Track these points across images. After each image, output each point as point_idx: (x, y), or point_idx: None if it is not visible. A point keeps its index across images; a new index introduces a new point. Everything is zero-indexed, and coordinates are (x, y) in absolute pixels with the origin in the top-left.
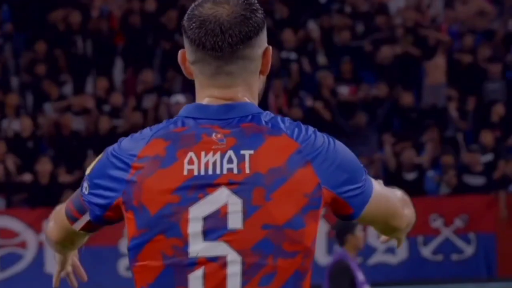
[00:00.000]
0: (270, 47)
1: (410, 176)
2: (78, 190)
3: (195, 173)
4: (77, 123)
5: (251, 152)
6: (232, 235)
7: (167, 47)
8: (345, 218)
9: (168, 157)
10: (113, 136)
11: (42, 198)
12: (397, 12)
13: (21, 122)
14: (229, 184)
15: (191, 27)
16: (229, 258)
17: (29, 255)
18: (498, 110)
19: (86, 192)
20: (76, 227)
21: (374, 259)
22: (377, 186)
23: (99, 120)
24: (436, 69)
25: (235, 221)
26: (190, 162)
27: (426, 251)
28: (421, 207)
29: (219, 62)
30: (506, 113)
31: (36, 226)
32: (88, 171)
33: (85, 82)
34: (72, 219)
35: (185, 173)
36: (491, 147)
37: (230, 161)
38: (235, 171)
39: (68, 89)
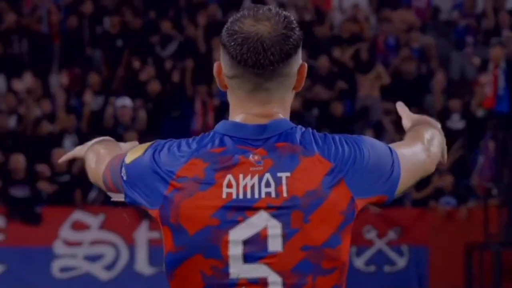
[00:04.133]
0: (305, 64)
1: None
2: (117, 163)
3: (234, 196)
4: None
5: (288, 174)
6: (273, 257)
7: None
8: (381, 205)
9: (207, 179)
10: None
11: None
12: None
13: None
14: (267, 208)
15: (232, 43)
16: (270, 280)
17: None
18: None
19: (125, 179)
20: (110, 195)
21: None
22: (403, 157)
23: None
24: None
25: (275, 244)
26: (229, 185)
27: (359, 262)
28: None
29: (259, 79)
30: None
31: None
32: (128, 159)
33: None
34: (107, 187)
35: (224, 196)
36: None
37: (268, 184)
38: (273, 195)
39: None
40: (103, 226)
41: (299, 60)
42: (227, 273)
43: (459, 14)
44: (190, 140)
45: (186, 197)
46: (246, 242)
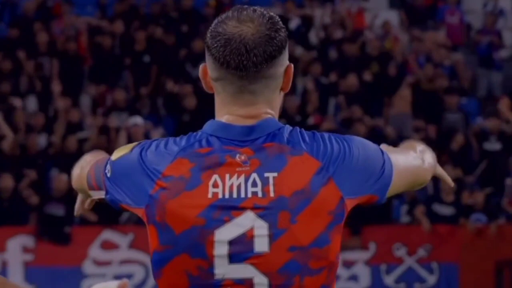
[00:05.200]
0: (292, 65)
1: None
2: (102, 162)
3: (220, 196)
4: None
5: (275, 174)
6: (259, 258)
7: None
8: (371, 205)
9: (193, 179)
10: None
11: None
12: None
13: None
14: (254, 208)
15: (215, 45)
16: (256, 280)
17: None
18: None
19: (109, 176)
20: (91, 194)
21: (338, 286)
22: (395, 159)
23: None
24: (401, 99)
25: (261, 245)
26: (215, 185)
27: (389, 280)
28: (384, 235)
29: (243, 81)
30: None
31: None
32: (114, 156)
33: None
34: (90, 186)
35: (210, 196)
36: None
37: (254, 184)
38: (260, 194)
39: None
40: (132, 245)
41: (285, 61)
42: (212, 274)
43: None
44: (178, 139)
45: (172, 197)
46: (232, 242)
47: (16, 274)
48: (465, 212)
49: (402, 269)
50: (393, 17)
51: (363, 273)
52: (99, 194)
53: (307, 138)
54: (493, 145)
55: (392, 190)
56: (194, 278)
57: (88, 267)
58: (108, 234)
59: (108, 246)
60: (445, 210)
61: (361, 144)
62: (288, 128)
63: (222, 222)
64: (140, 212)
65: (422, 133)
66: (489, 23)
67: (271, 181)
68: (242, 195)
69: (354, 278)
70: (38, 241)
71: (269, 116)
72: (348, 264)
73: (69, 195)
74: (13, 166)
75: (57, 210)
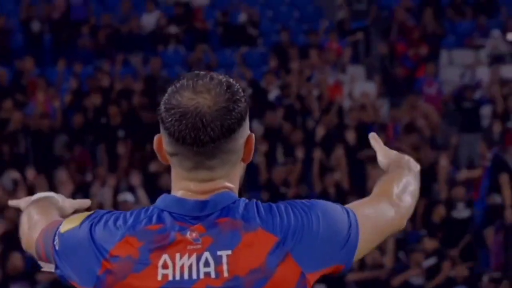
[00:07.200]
0: (253, 135)
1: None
2: (51, 231)
3: (170, 278)
4: None
5: (229, 252)
6: None
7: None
8: (339, 274)
9: (141, 259)
10: None
11: None
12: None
13: None
14: None
15: (170, 119)
16: None
17: None
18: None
19: (57, 249)
20: (41, 265)
21: None
22: (363, 218)
23: None
24: None
25: None
26: (165, 266)
27: None
28: None
29: (200, 157)
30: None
31: None
32: (63, 228)
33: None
34: (39, 256)
35: (159, 278)
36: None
37: (207, 264)
38: (213, 275)
39: None
40: None
41: (245, 133)
42: None
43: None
44: (128, 214)
45: (119, 280)
46: None
47: None
48: (446, 285)
49: None
50: (370, 88)
51: None
52: (49, 268)
53: (262, 212)
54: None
55: (360, 253)
56: None
57: None
58: None
59: None
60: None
61: (322, 211)
62: (243, 201)
63: None
64: None
65: None
66: (467, 95)
67: (224, 259)
68: (194, 276)
69: None
70: None
71: (225, 190)
72: None
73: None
74: None
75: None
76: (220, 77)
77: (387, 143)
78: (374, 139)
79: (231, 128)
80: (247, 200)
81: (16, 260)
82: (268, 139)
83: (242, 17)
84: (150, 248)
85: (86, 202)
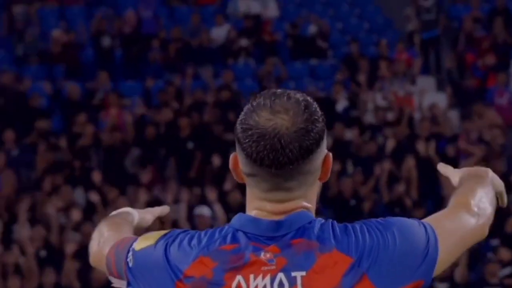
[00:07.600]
0: (330, 154)
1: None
2: (124, 247)
3: None
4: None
5: (303, 273)
6: None
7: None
8: None
9: (215, 280)
10: None
11: None
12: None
13: None
14: None
15: (247, 140)
16: None
17: None
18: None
19: (131, 265)
20: (111, 280)
21: None
22: (442, 230)
23: None
24: None
25: None
26: (238, 287)
27: None
28: None
29: (278, 179)
30: None
31: None
32: (137, 245)
33: None
34: (109, 271)
35: None
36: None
37: (281, 285)
38: None
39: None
40: None
41: (323, 153)
42: None
43: None
44: (203, 234)
45: None
46: None
47: None
48: None
49: None
50: (441, 99)
51: None
52: (120, 284)
53: (338, 232)
54: None
55: (440, 267)
56: None
57: None
58: None
59: None
60: None
61: (398, 228)
62: (319, 221)
63: None
64: None
65: None
66: None
67: (299, 281)
68: None
69: None
70: None
71: (302, 209)
72: None
73: None
74: None
75: None
76: (298, 95)
77: (458, 155)
78: (442, 167)
79: (310, 149)
80: (323, 220)
81: (97, 274)
82: (336, 151)
83: (312, 29)
84: (224, 269)
85: (166, 209)
